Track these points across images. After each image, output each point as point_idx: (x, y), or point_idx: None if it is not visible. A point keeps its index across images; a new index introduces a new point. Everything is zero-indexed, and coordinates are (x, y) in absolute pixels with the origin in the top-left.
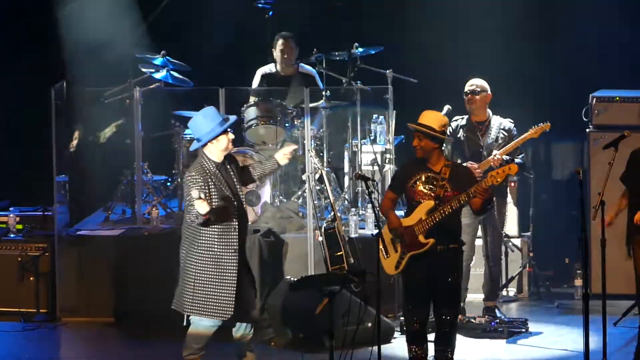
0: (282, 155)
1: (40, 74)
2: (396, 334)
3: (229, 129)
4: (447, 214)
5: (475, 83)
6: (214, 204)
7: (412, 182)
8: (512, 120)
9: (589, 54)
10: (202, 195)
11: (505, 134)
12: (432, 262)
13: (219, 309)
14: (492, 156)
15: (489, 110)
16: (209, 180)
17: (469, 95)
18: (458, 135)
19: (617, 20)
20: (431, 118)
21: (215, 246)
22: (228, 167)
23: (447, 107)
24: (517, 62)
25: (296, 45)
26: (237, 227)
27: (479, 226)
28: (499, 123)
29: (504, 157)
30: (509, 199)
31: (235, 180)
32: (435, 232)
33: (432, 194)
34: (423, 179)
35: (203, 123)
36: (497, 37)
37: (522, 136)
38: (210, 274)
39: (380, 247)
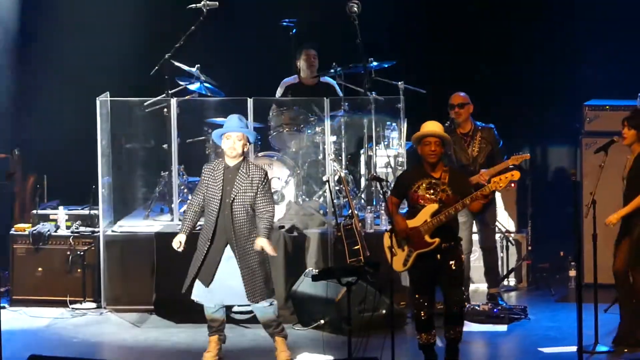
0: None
1: (88, 85)
2: (408, 321)
3: (233, 133)
4: (451, 216)
5: (461, 97)
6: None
7: (414, 187)
8: (492, 126)
9: (584, 64)
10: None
11: (490, 145)
12: (436, 257)
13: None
14: (479, 175)
15: (471, 121)
16: (210, 174)
17: (456, 109)
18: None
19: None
20: (437, 126)
21: (202, 227)
22: (240, 172)
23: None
24: (514, 71)
25: (318, 56)
26: (216, 218)
27: (474, 222)
28: (480, 134)
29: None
30: (497, 195)
31: (235, 184)
32: (437, 231)
33: (435, 198)
34: (425, 185)
35: (224, 124)
36: (492, 47)
37: (505, 162)
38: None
39: (388, 246)
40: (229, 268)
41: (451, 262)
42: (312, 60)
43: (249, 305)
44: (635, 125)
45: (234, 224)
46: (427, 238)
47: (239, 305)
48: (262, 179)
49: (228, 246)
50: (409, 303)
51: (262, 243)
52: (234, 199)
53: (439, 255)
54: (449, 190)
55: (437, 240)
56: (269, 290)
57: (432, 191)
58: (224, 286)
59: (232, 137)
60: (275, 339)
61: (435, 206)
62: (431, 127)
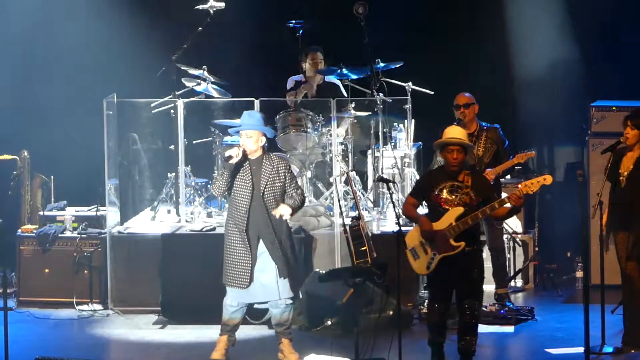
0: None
1: (95, 87)
2: (415, 321)
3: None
4: (478, 219)
5: (466, 97)
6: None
7: (436, 190)
8: (497, 126)
9: (591, 65)
10: (233, 153)
11: (495, 145)
12: (459, 261)
13: (233, 277)
14: (485, 174)
15: (477, 121)
16: (240, 165)
17: (461, 109)
18: None
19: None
20: (459, 132)
21: (230, 225)
22: (264, 164)
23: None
24: (520, 71)
25: (323, 58)
26: (247, 211)
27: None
28: (486, 134)
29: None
30: (503, 196)
31: (263, 177)
32: (462, 234)
33: (460, 202)
34: (448, 187)
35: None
36: (499, 49)
37: (510, 160)
38: (227, 247)
39: (409, 249)
40: (260, 265)
41: (474, 270)
42: (318, 63)
43: (267, 303)
44: (638, 124)
45: (269, 214)
46: (452, 241)
47: (258, 304)
48: (287, 168)
49: (260, 241)
50: (419, 301)
51: (282, 208)
52: (264, 190)
53: (461, 260)
54: (472, 193)
55: (462, 243)
56: (297, 288)
57: (455, 195)
58: (255, 283)
59: (242, 134)
60: (282, 340)
61: (460, 209)
62: (453, 133)
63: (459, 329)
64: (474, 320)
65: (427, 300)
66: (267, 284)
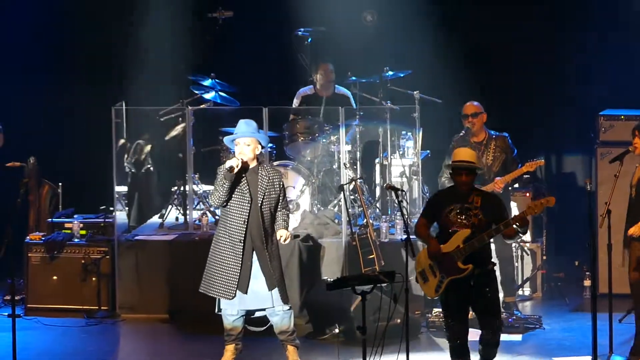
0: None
1: (102, 94)
2: (422, 330)
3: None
4: (484, 242)
5: (474, 106)
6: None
7: (446, 211)
8: (506, 134)
9: (599, 73)
10: (234, 164)
11: (504, 153)
12: (469, 283)
13: (219, 288)
14: (493, 183)
15: (485, 129)
16: (237, 176)
17: (469, 119)
18: None
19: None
20: (469, 154)
21: (221, 234)
22: (260, 175)
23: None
24: (528, 80)
25: (334, 70)
26: (245, 222)
27: None
28: (494, 142)
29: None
30: (512, 205)
31: (259, 188)
32: (470, 256)
33: (467, 223)
34: (457, 209)
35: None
36: (506, 56)
37: (519, 168)
38: (215, 257)
39: (418, 271)
40: (253, 273)
41: (486, 289)
42: (329, 74)
43: (264, 311)
44: None
45: (264, 225)
46: (459, 264)
47: (257, 311)
48: (281, 180)
49: (253, 252)
50: (427, 309)
51: (282, 233)
52: (262, 201)
53: (472, 282)
54: (481, 214)
55: (470, 266)
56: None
57: (464, 216)
58: (250, 292)
59: (240, 142)
60: (287, 348)
61: (467, 231)
62: (463, 155)
63: (479, 341)
64: (493, 337)
65: (443, 320)
66: (260, 292)
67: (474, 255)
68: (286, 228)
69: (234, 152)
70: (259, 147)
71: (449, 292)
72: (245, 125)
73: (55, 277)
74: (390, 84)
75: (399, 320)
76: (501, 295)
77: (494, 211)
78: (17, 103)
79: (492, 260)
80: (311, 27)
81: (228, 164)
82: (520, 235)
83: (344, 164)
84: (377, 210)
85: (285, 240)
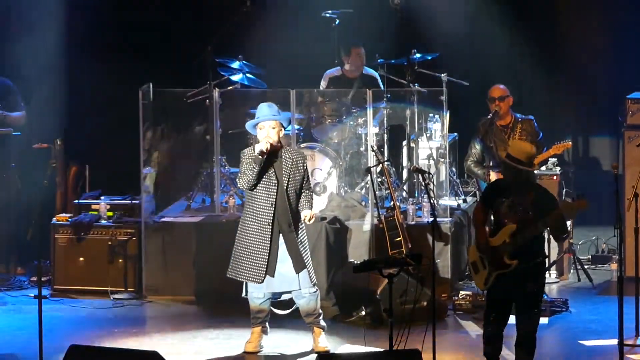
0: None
1: (130, 76)
2: (449, 313)
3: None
4: (530, 238)
5: (500, 89)
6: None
7: (500, 201)
8: (532, 117)
9: (627, 56)
10: (264, 147)
11: (530, 137)
12: (517, 277)
13: (248, 272)
14: None
15: (511, 113)
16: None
17: (496, 102)
18: (488, 142)
19: None
20: (519, 150)
21: (248, 218)
22: (284, 157)
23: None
24: (556, 63)
25: (365, 53)
26: (273, 204)
27: None
28: (521, 125)
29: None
30: None
31: (284, 170)
32: (519, 250)
33: (515, 218)
34: (510, 202)
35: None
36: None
37: (547, 151)
38: (242, 241)
39: (470, 262)
40: (279, 256)
41: (529, 284)
42: (361, 58)
43: (290, 293)
44: None
45: (290, 208)
46: (505, 259)
47: (283, 293)
48: (305, 162)
49: (280, 235)
50: (449, 294)
51: (307, 213)
52: (287, 184)
53: (516, 276)
54: (531, 209)
55: (514, 262)
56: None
57: (514, 210)
58: (276, 274)
59: (265, 126)
60: (314, 330)
61: (513, 227)
62: (516, 152)
63: (517, 339)
64: (527, 338)
65: (484, 310)
66: (287, 275)
67: (523, 249)
68: (310, 208)
69: (255, 136)
70: (282, 129)
71: (495, 285)
72: (267, 109)
73: (81, 259)
74: (418, 67)
75: (425, 303)
76: None
77: (545, 207)
78: (43, 85)
79: (544, 252)
80: (338, 10)
81: (257, 147)
82: (564, 238)
83: (371, 147)
84: (404, 192)
85: (310, 220)
